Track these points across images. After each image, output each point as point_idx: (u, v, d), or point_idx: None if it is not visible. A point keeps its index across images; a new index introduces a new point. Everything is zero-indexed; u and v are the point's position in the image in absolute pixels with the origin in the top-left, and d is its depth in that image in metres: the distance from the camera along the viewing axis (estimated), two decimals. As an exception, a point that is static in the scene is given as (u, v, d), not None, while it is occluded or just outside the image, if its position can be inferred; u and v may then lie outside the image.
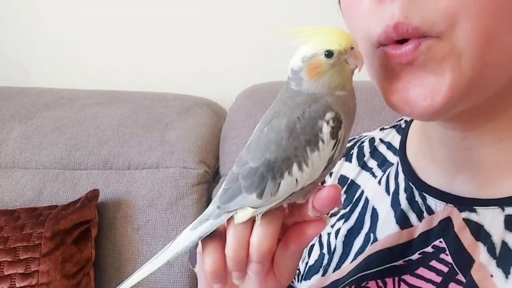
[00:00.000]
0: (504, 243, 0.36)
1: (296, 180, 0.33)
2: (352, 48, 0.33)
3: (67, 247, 0.97)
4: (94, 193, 1.03)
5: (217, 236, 0.36)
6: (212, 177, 1.13)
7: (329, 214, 0.36)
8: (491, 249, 0.37)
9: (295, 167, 0.32)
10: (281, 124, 0.33)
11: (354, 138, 0.54)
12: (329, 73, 0.33)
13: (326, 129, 0.32)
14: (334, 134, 0.32)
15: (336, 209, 0.35)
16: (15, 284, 0.92)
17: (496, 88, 0.35)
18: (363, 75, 0.37)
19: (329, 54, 0.32)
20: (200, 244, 0.37)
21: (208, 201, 1.09)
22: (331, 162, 0.34)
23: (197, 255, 0.39)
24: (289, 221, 0.36)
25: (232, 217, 0.35)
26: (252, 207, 0.34)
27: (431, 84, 0.33)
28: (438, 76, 0.33)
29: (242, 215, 0.34)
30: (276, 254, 0.37)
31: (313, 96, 0.33)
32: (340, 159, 0.36)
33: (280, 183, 0.33)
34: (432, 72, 0.33)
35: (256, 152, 0.33)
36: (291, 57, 0.34)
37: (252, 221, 0.35)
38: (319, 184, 0.35)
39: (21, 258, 0.94)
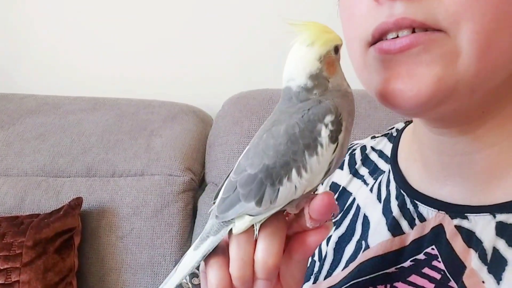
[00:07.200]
0: (495, 250, 0.37)
1: (295, 186, 0.32)
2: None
3: (49, 256, 0.95)
4: (78, 201, 1.01)
5: (220, 253, 0.34)
6: (198, 185, 1.12)
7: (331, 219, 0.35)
8: (482, 256, 0.37)
9: (294, 172, 0.31)
10: (280, 129, 0.31)
11: None
12: (339, 67, 0.33)
13: (324, 133, 0.31)
14: (333, 138, 0.31)
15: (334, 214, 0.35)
16: (-5, 295, 0.90)
17: (485, 91, 0.35)
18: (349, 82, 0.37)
19: (336, 49, 0.32)
20: (203, 264, 0.35)
21: (194, 209, 1.08)
22: (331, 167, 0.32)
23: (201, 274, 0.37)
24: (290, 231, 0.35)
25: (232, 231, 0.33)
26: (250, 215, 0.32)
27: (419, 76, 0.33)
28: (428, 69, 0.33)
29: (240, 224, 0.33)
30: (281, 266, 0.35)
31: (317, 98, 0.32)
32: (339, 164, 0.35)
33: (279, 189, 0.32)
34: (424, 64, 0.33)
35: (254, 159, 0.32)
36: (284, 65, 0.32)
37: (254, 236, 0.33)
38: (312, 193, 0.34)
39: (1, 268, 0.92)
